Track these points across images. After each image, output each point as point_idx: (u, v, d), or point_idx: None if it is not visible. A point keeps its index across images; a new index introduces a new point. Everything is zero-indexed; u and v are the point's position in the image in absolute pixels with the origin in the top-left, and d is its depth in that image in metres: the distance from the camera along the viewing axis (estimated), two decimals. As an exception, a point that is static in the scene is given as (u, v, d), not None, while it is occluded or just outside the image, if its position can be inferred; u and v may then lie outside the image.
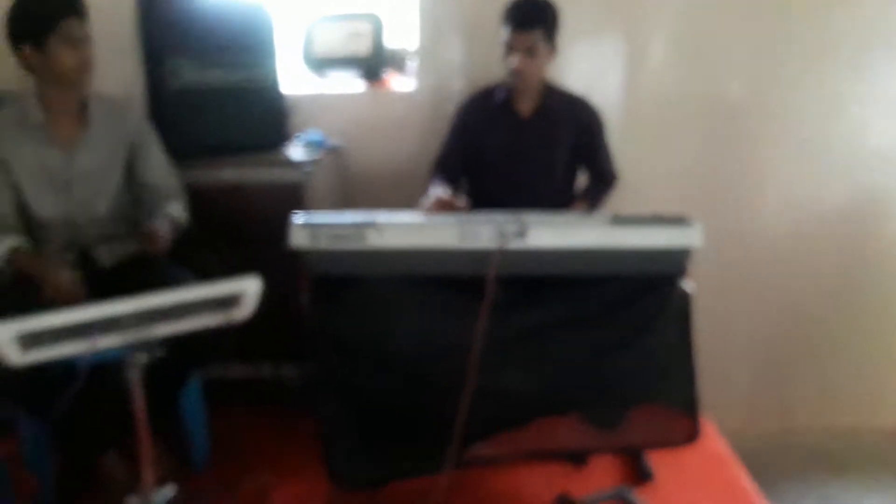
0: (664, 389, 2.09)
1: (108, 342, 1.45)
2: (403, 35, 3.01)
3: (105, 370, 1.63)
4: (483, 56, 2.77)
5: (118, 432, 2.04)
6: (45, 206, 2.06)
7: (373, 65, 2.91)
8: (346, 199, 2.88)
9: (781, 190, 2.99)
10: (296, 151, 2.53)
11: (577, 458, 2.26)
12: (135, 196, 2.21)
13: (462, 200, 2.21)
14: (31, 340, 1.38)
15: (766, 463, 2.60)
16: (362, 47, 2.89)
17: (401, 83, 2.98)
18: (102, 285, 1.95)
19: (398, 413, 1.99)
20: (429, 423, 1.93)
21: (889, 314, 3.13)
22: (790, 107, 2.92)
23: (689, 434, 2.10)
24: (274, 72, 2.51)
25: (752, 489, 2.26)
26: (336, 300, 1.95)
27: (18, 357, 1.38)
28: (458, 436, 1.85)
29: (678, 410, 2.10)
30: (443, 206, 2.13)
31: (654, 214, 1.98)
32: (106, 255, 2.12)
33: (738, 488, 2.28)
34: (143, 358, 1.52)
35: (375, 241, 1.87)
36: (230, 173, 2.43)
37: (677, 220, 1.93)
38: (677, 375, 2.07)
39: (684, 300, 2.01)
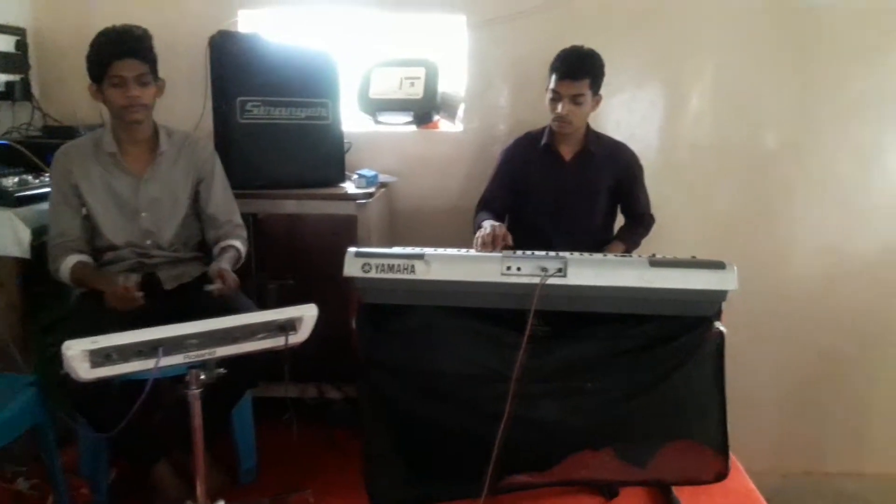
0: (695, 428, 2.04)
1: (172, 361, 1.45)
2: (459, 81, 2.96)
3: (162, 385, 1.63)
4: (527, 101, 2.79)
5: (171, 444, 2.06)
6: (114, 230, 2.08)
7: (424, 109, 2.89)
8: (394, 232, 2.88)
9: (814, 235, 2.95)
10: (351, 186, 2.55)
11: (609, 491, 2.20)
12: (200, 224, 2.22)
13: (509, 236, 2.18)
14: (99, 358, 1.39)
15: (791, 504, 2.52)
16: (415, 92, 2.88)
17: (450, 127, 2.99)
18: (165, 306, 1.95)
19: (438, 438, 1.97)
20: (468, 449, 1.90)
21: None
22: (822, 156, 2.89)
23: (719, 472, 2.04)
24: (337, 112, 2.53)
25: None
26: (384, 327, 1.95)
27: (87, 373, 1.38)
28: (495, 463, 1.83)
29: (708, 449, 2.04)
30: (496, 238, 2.09)
31: (692, 258, 1.96)
32: (169, 278, 2.12)
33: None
34: (203, 376, 1.52)
35: (423, 272, 1.88)
36: (290, 205, 2.44)
37: (714, 264, 1.90)
38: (709, 414, 2.02)
39: (718, 341, 1.96)
